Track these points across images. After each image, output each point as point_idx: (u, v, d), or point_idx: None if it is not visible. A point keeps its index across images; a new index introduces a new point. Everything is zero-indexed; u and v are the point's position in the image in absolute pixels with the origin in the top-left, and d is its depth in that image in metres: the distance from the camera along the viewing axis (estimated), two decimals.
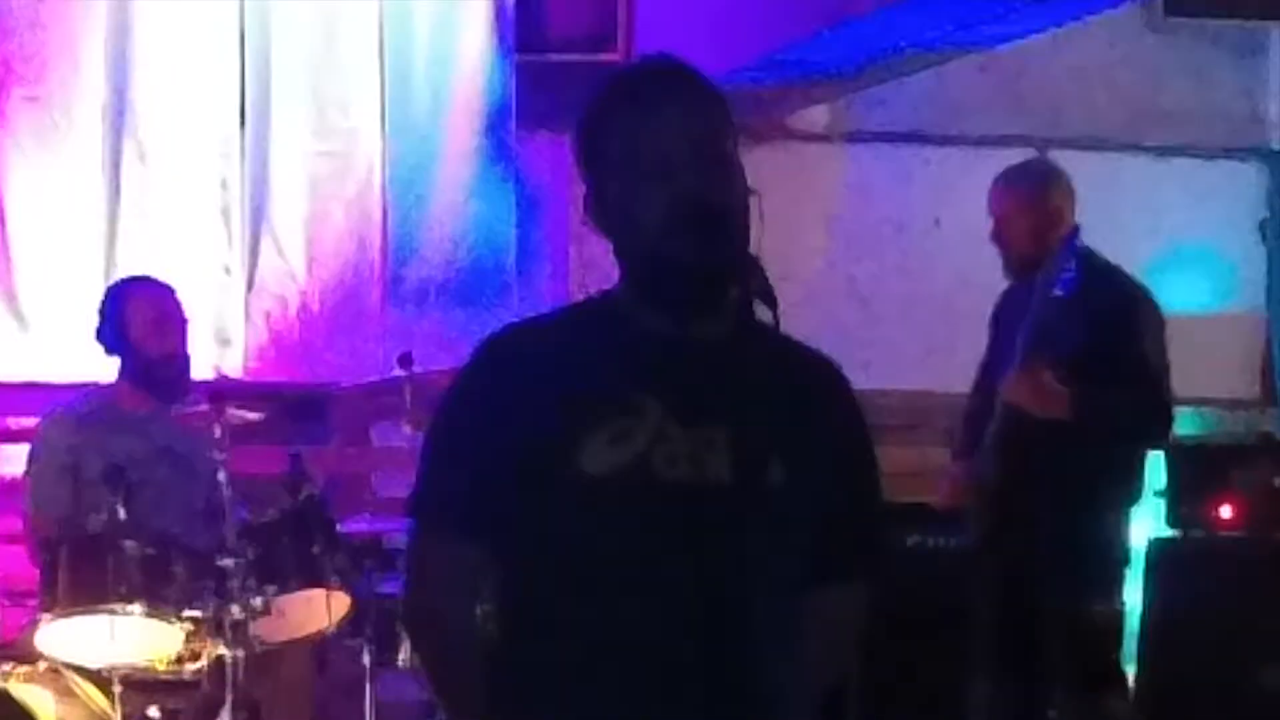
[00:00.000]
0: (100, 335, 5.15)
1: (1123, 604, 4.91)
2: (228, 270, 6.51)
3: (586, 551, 2.27)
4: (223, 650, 4.40)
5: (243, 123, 6.51)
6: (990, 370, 4.93)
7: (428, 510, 2.39)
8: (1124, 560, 4.85)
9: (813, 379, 2.41)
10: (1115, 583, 4.81)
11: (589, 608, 2.26)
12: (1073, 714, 4.75)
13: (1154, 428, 4.82)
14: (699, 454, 2.26)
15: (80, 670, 4.47)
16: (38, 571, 4.60)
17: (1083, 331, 4.60)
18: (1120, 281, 4.79)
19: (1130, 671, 5.88)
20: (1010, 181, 4.90)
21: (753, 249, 2.31)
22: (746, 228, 2.29)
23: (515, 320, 2.49)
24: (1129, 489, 4.85)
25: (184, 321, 5.15)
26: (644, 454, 2.25)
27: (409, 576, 2.42)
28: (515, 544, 2.31)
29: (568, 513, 2.27)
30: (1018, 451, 4.66)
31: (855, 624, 2.49)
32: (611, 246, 2.34)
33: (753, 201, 2.31)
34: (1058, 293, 4.59)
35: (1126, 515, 4.83)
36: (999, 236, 4.86)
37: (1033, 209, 4.78)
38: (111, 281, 5.63)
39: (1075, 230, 4.68)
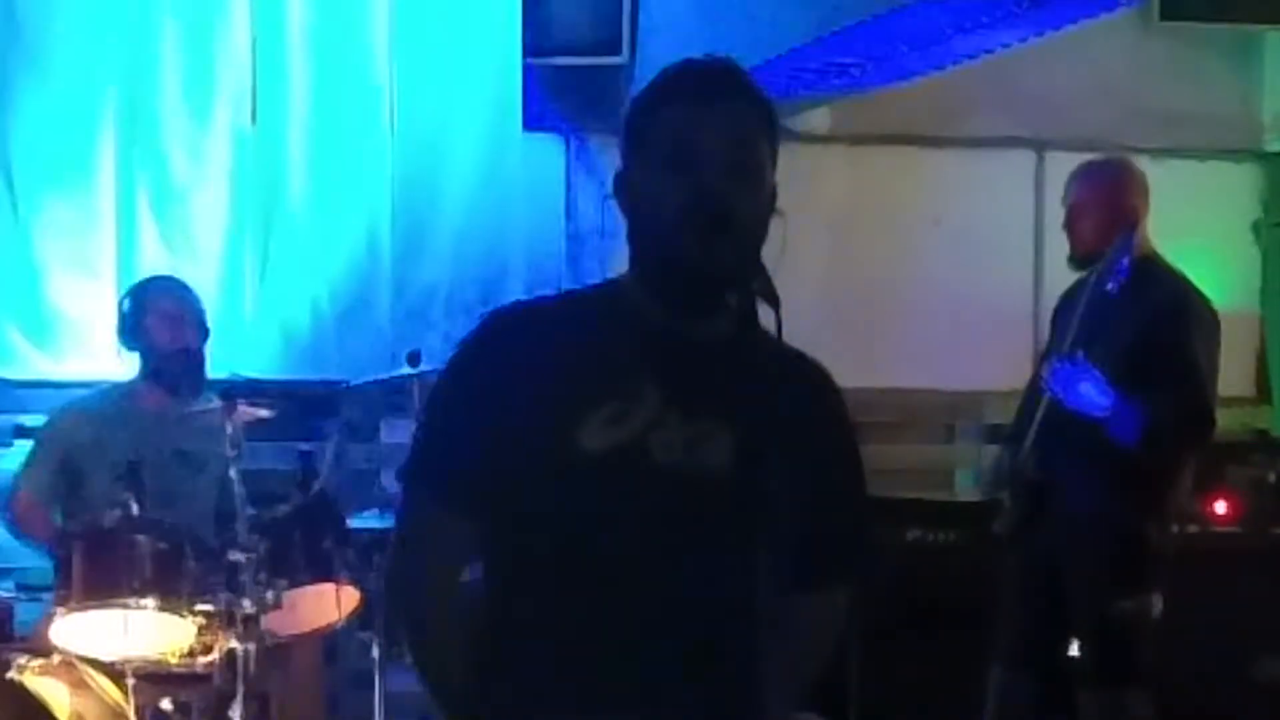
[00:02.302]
0: (120, 333, 5.23)
1: (1155, 604, 4.74)
2: (239, 269, 6.56)
3: (581, 527, 2.28)
4: (234, 643, 4.42)
5: (254, 122, 6.56)
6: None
7: (418, 480, 2.41)
8: (1161, 559, 4.71)
9: (804, 385, 2.43)
10: (1147, 581, 4.70)
11: (579, 584, 2.28)
12: (1093, 709, 4.74)
13: (1191, 433, 4.66)
14: (695, 445, 2.29)
15: (94, 663, 4.50)
16: (51, 566, 4.63)
17: (1131, 329, 4.61)
18: (1174, 283, 4.75)
19: None
20: (1087, 175, 4.92)
21: (767, 264, 2.30)
22: (757, 238, 2.31)
23: (520, 299, 2.52)
24: (1168, 488, 4.75)
25: (200, 321, 5.21)
26: (641, 436, 2.27)
27: (394, 541, 2.44)
28: (509, 518, 2.32)
29: (564, 488, 2.28)
30: (1057, 444, 4.67)
31: (835, 629, 2.53)
32: (626, 229, 2.38)
33: (776, 222, 2.33)
34: (1109, 287, 4.62)
35: (1165, 514, 4.75)
36: (1069, 225, 4.89)
37: (1103, 205, 4.79)
38: (128, 281, 5.68)
39: (1132, 227, 4.68)
